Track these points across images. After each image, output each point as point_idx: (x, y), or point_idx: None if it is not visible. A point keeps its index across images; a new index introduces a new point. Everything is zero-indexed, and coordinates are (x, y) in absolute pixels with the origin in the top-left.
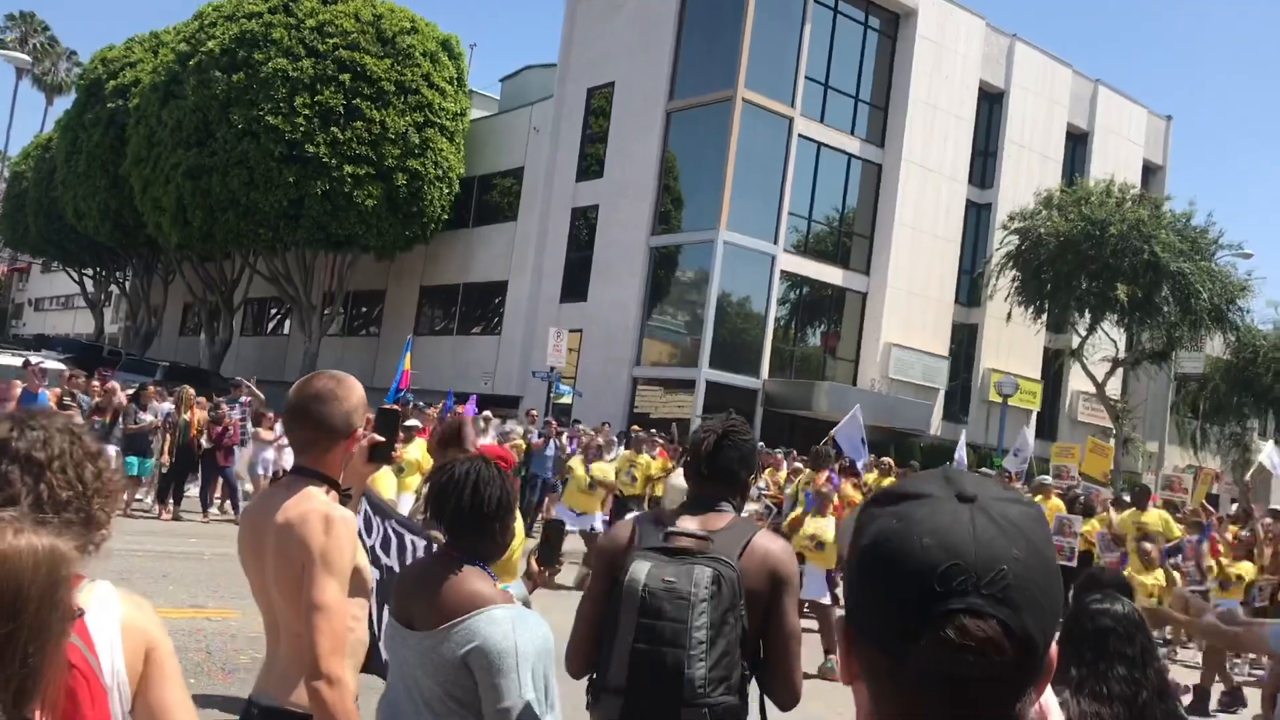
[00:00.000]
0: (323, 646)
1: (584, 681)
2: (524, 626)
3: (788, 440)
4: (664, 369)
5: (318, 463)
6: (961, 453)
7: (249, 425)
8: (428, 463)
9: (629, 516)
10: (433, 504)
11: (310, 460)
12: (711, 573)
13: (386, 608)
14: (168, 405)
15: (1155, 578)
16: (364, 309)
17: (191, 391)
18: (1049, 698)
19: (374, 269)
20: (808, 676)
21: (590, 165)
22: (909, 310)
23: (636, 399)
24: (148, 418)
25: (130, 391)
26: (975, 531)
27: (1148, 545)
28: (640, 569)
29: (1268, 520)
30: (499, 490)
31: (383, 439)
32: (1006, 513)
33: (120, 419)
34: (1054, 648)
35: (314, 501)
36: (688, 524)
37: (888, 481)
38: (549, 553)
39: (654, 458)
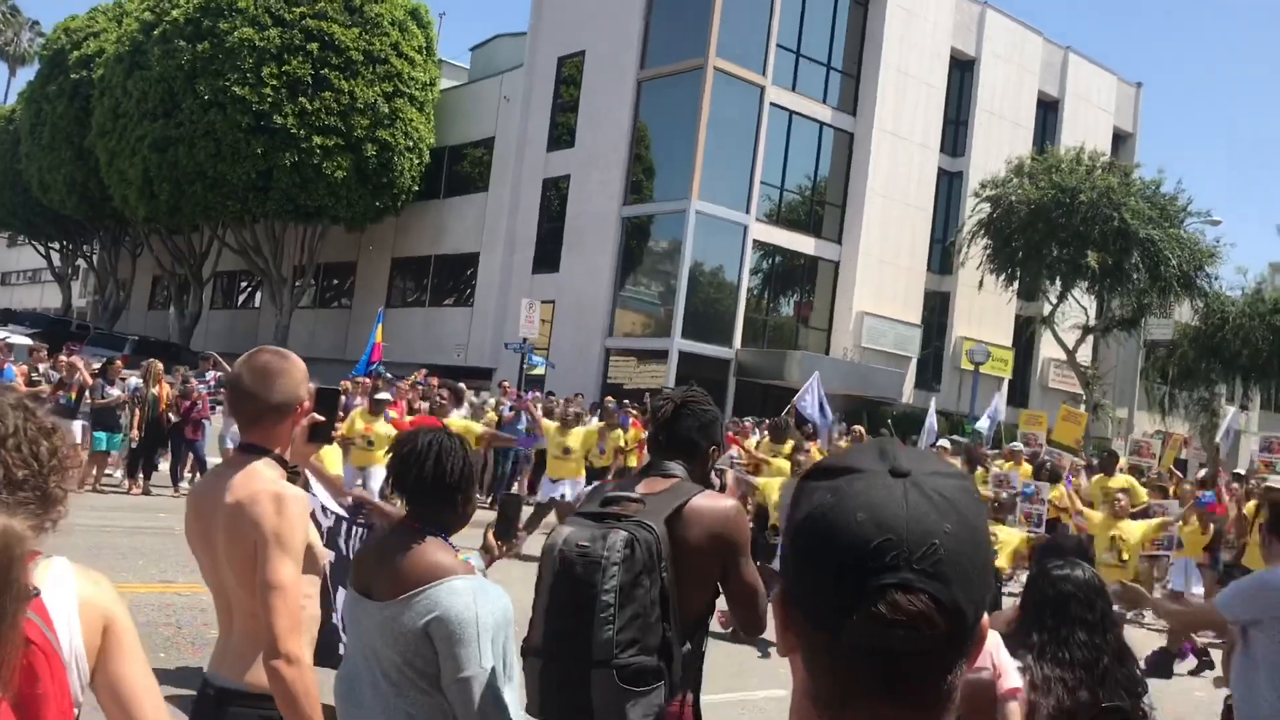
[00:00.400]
0: (280, 626)
1: None
2: (485, 597)
3: (760, 409)
4: (636, 339)
5: (264, 439)
6: (932, 420)
7: (218, 399)
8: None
9: (593, 486)
10: (395, 474)
11: (257, 436)
12: (625, 536)
13: (341, 590)
14: (135, 379)
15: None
16: (335, 281)
17: (159, 366)
18: (1007, 662)
19: (344, 241)
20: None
21: (561, 135)
22: (881, 279)
23: (609, 370)
24: (115, 392)
25: (98, 366)
26: (908, 506)
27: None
28: (560, 534)
29: (1234, 485)
30: (461, 461)
31: (322, 418)
32: (939, 487)
33: (87, 394)
34: (985, 618)
35: (263, 480)
36: (632, 487)
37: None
38: (505, 527)
39: (625, 429)
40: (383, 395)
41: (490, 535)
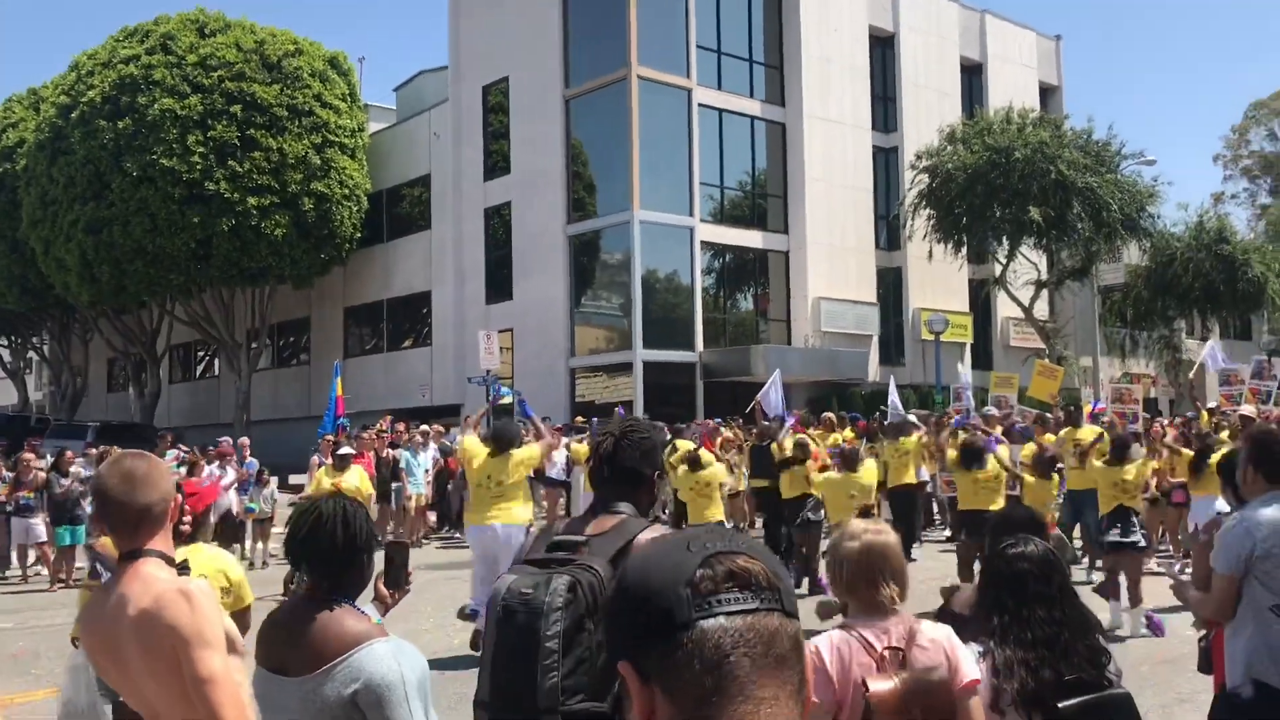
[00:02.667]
0: (227, 715)
1: None
2: (406, 657)
3: (730, 409)
4: (600, 355)
5: (147, 542)
6: (894, 398)
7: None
8: (368, 489)
9: (540, 530)
10: (300, 545)
11: (138, 542)
12: (568, 580)
13: None
14: (85, 470)
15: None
16: (291, 339)
17: (118, 451)
18: (962, 655)
19: (294, 298)
20: None
21: (497, 162)
22: (832, 263)
23: (577, 389)
24: (66, 483)
25: (51, 459)
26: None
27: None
28: (503, 582)
29: (1178, 420)
30: (365, 521)
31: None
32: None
33: (47, 489)
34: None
35: (163, 582)
36: (580, 528)
37: (834, 439)
38: (395, 575)
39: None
40: (345, 450)
41: (380, 585)
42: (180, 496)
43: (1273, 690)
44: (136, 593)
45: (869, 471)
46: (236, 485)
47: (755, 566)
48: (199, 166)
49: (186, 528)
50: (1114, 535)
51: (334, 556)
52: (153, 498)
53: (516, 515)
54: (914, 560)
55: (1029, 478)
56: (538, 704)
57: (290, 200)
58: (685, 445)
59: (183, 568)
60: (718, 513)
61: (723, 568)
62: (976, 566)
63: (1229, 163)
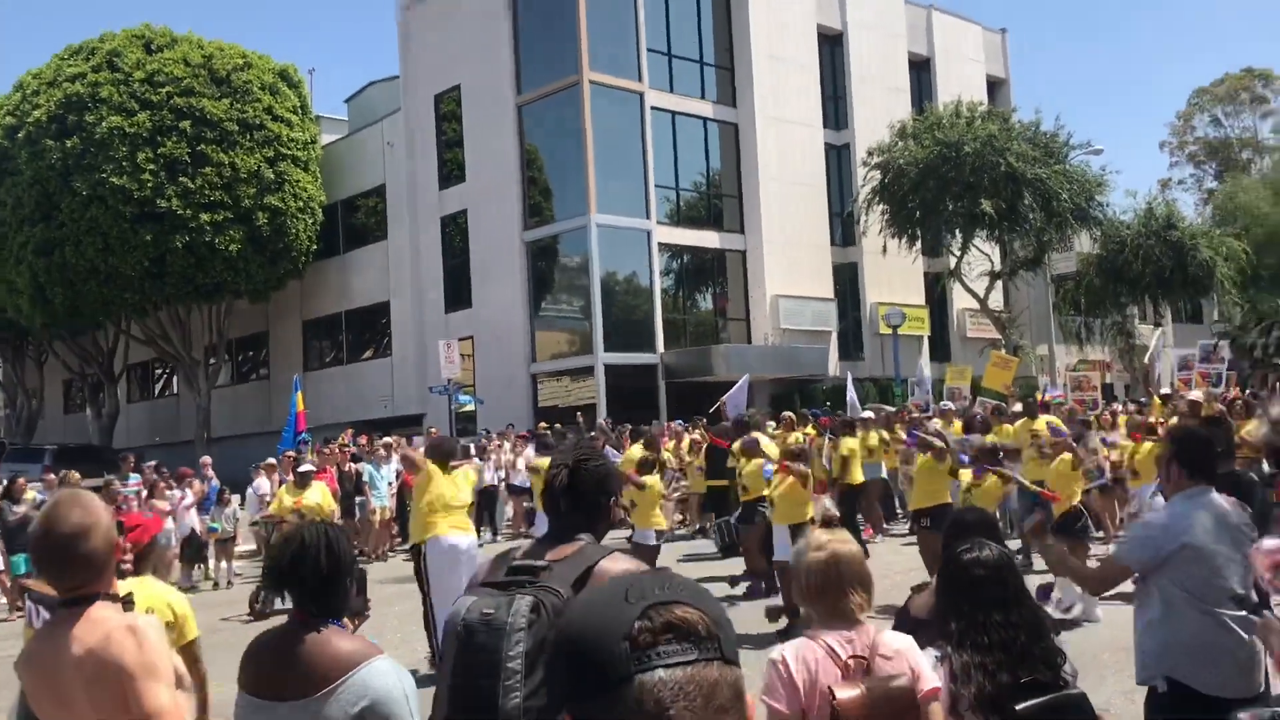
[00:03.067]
0: None
1: None
2: (403, 672)
3: (693, 410)
4: (562, 360)
5: (90, 585)
6: (852, 394)
7: (143, 497)
8: (329, 505)
9: (497, 554)
10: (285, 573)
11: (83, 588)
12: (531, 600)
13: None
14: (40, 495)
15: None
16: (249, 354)
17: (76, 475)
18: (923, 663)
19: (252, 312)
20: None
21: (451, 171)
22: (789, 260)
23: (540, 395)
24: (21, 510)
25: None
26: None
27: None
28: (463, 604)
29: (1132, 407)
30: (348, 546)
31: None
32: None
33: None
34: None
35: (108, 620)
36: (540, 555)
37: (794, 438)
38: (357, 600)
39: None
40: (306, 467)
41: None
42: (120, 538)
43: (1189, 690)
44: (82, 633)
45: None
46: (197, 505)
47: (694, 616)
48: (150, 184)
49: (128, 565)
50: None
51: (319, 581)
52: (94, 544)
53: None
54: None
55: (965, 477)
56: None
57: (244, 215)
58: (634, 453)
59: (127, 601)
60: (660, 520)
61: (661, 619)
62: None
63: (1175, 149)
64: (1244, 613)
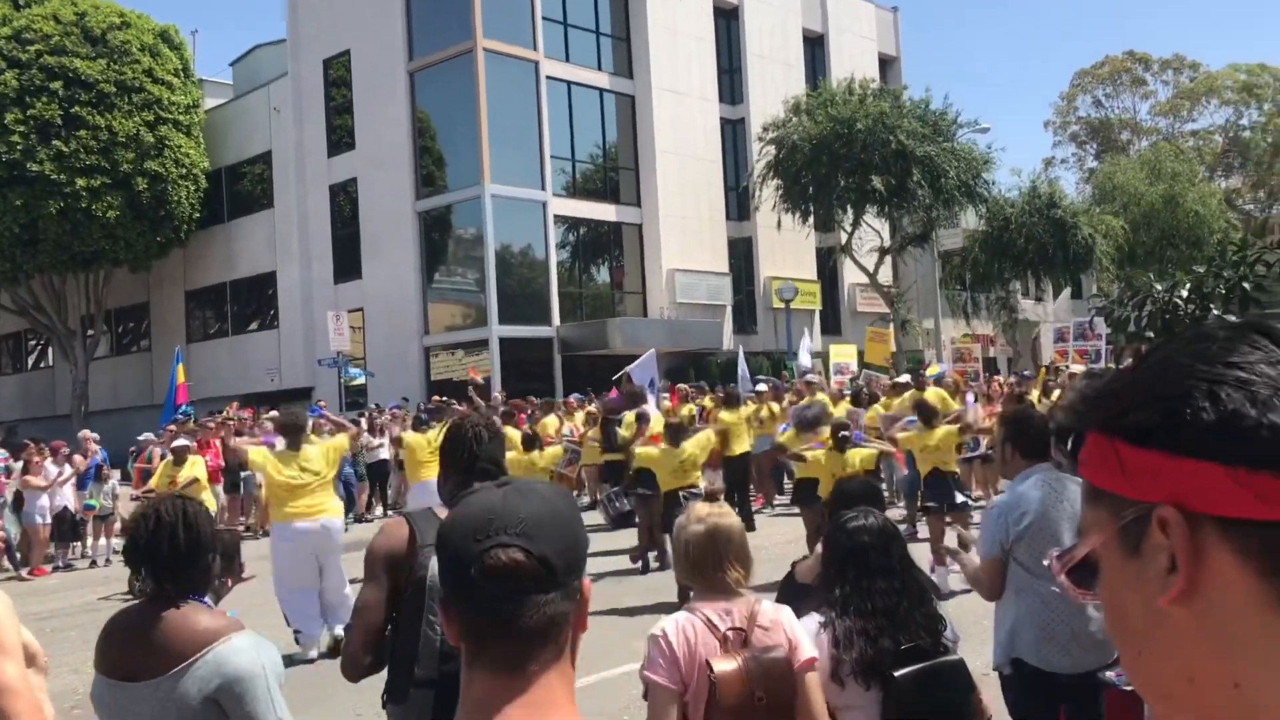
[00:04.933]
0: None
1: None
2: (266, 649)
3: (588, 382)
4: (455, 333)
5: None
6: (743, 368)
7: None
8: (204, 478)
9: (399, 514)
10: (141, 550)
11: None
12: None
13: None
14: None
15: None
16: (130, 324)
17: None
18: (800, 634)
19: (132, 282)
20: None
21: (341, 138)
22: (685, 234)
23: (432, 368)
24: None
25: None
26: (504, 500)
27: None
28: (434, 567)
29: (1012, 379)
30: (207, 521)
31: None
32: (532, 487)
33: None
34: (586, 580)
35: None
36: None
37: (687, 410)
38: (227, 564)
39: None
40: (182, 441)
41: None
42: None
43: (1032, 669)
44: None
45: (694, 443)
46: (74, 481)
47: (521, 557)
48: (19, 146)
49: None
50: (930, 500)
51: (177, 558)
52: None
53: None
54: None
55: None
56: None
57: (123, 180)
58: (514, 434)
59: None
60: None
61: (494, 561)
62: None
63: (1058, 129)
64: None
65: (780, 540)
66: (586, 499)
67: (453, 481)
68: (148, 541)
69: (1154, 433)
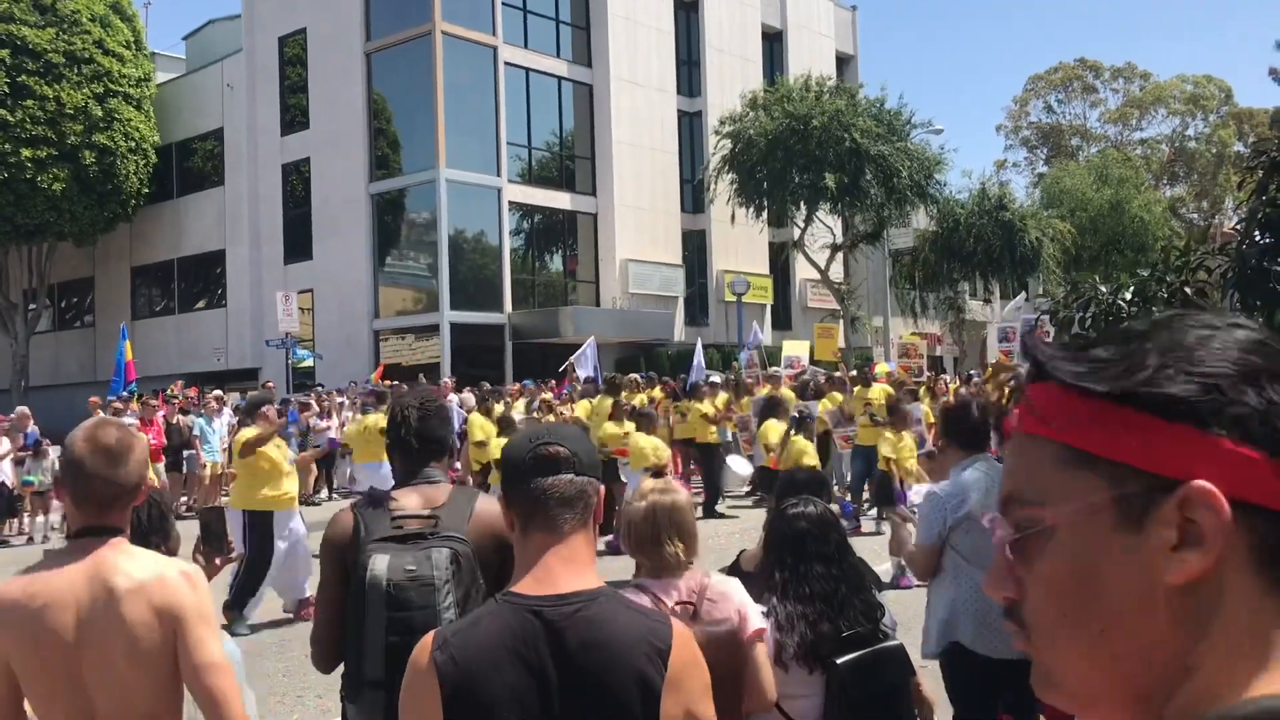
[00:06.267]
0: (234, 708)
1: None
2: (228, 644)
3: (539, 370)
4: (406, 317)
5: (119, 520)
6: (699, 359)
7: None
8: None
9: (346, 504)
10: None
11: (112, 519)
12: (449, 553)
13: None
14: None
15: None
16: (74, 299)
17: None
18: (749, 607)
19: (76, 256)
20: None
21: (295, 117)
22: (639, 225)
23: (381, 352)
24: None
25: None
26: (548, 426)
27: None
28: (380, 562)
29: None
30: (159, 504)
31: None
32: (564, 425)
33: None
34: (601, 487)
35: (155, 559)
36: (409, 501)
37: (640, 399)
38: (215, 542)
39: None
40: (127, 419)
41: (198, 555)
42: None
43: (969, 653)
44: (126, 568)
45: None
46: (12, 458)
47: (561, 449)
48: None
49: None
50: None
51: (142, 535)
52: (131, 477)
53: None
54: (724, 517)
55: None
56: None
57: (69, 153)
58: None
59: None
60: None
61: (542, 452)
62: None
63: (1010, 133)
64: None
65: (725, 532)
66: None
67: (397, 461)
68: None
69: (1188, 407)
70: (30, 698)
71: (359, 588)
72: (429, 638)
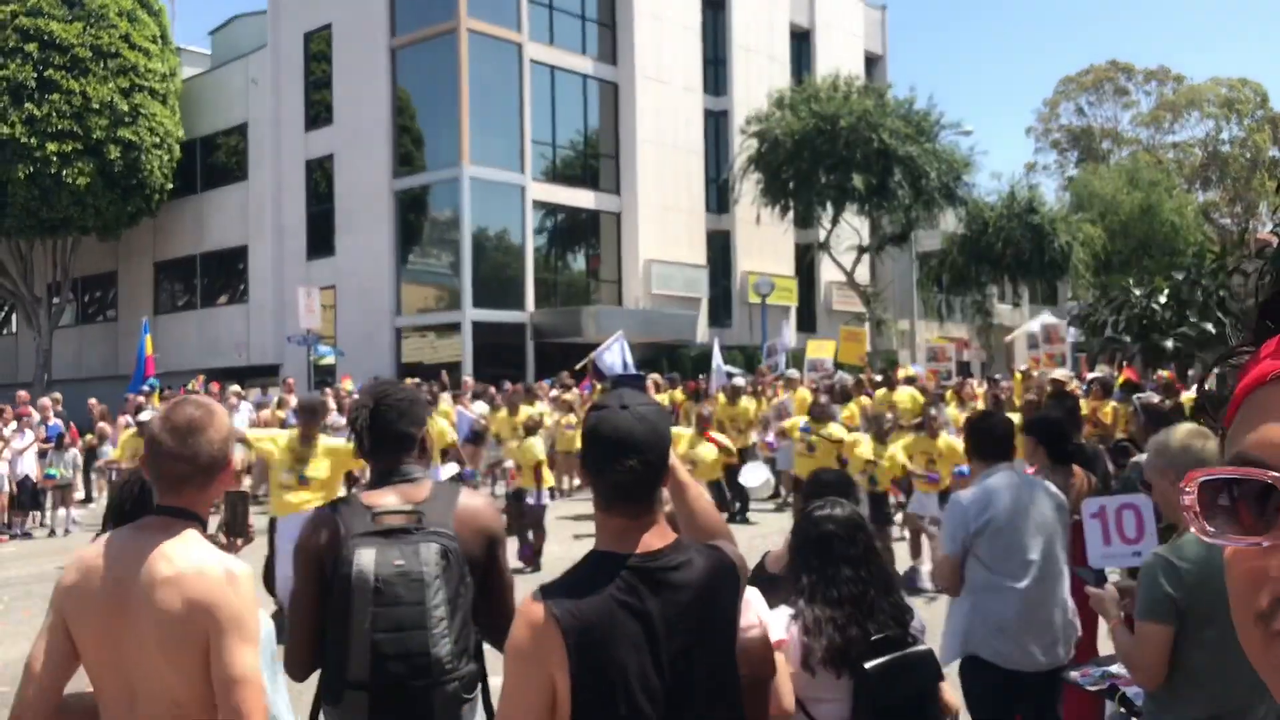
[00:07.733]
0: None
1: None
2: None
3: (561, 369)
4: (428, 315)
5: (191, 502)
6: (718, 360)
7: None
8: None
9: (324, 509)
10: (127, 516)
11: (183, 500)
12: (438, 548)
13: None
14: None
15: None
16: (97, 294)
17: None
18: (768, 616)
19: (100, 250)
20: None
21: (319, 113)
22: (663, 224)
23: (404, 349)
24: None
25: None
26: (631, 422)
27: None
28: (366, 557)
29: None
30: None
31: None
32: (643, 412)
33: None
34: (672, 460)
35: (207, 552)
36: (387, 500)
37: (663, 398)
38: (239, 523)
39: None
40: (146, 414)
41: (223, 535)
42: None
43: (987, 664)
44: (174, 552)
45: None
46: (36, 450)
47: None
48: None
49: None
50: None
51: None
52: (204, 455)
53: None
54: (747, 522)
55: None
56: (430, 674)
57: (95, 147)
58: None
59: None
60: (548, 479)
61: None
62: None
63: (1040, 135)
64: (1031, 582)
65: (745, 537)
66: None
67: (369, 464)
68: (132, 509)
69: None
70: (85, 666)
71: (343, 584)
72: (529, 598)
